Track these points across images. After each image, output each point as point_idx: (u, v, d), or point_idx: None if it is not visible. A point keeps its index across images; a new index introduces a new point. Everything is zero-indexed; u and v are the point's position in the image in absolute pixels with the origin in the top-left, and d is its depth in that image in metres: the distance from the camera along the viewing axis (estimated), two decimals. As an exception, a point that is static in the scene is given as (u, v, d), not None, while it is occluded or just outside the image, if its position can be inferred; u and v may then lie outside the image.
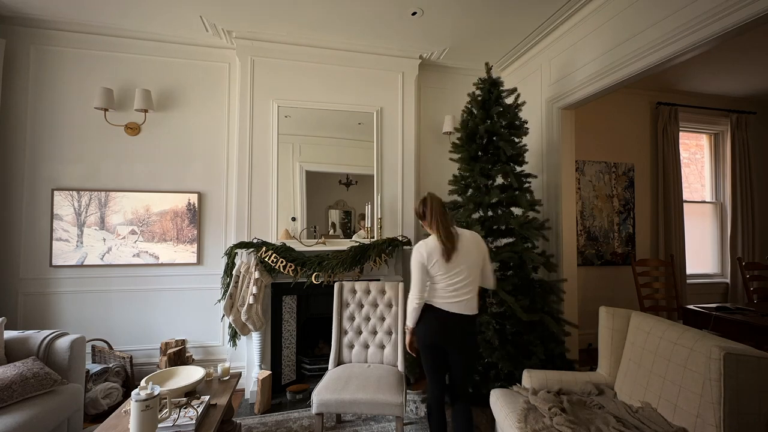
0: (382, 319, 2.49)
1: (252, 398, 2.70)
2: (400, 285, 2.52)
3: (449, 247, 1.76)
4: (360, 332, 2.48)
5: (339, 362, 2.41)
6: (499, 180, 2.69)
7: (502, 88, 2.69)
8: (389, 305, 2.51)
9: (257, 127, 3.03)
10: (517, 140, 2.65)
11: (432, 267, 1.78)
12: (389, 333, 2.46)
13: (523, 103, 2.71)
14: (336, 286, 2.53)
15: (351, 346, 2.46)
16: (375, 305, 2.53)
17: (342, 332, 2.48)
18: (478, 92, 2.75)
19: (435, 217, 1.82)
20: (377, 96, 3.27)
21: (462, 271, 1.78)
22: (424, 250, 1.79)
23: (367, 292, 2.56)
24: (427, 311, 1.82)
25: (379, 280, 2.81)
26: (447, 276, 1.78)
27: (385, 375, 2.16)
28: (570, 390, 1.88)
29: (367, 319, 2.50)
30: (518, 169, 2.69)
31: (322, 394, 1.98)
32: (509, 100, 2.72)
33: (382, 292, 2.53)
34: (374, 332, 2.48)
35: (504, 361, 2.33)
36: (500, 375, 2.39)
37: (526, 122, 2.72)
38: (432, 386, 1.89)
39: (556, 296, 2.58)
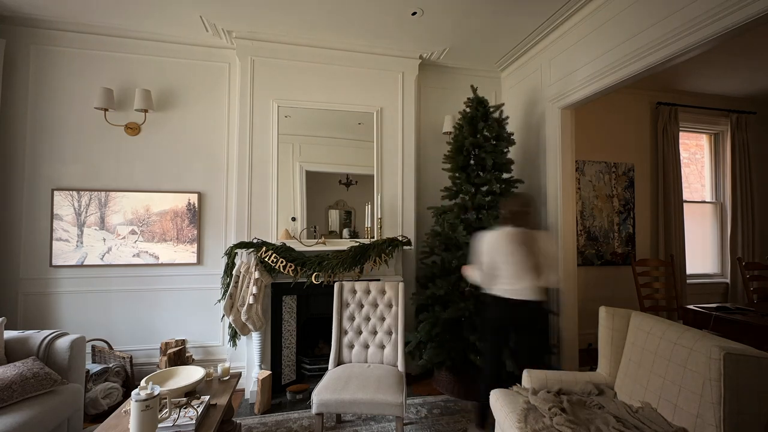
0: (382, 319, 2.49)
1: (252, 398, 2.70)
2: (400, 285, 2.52)
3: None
4: (360, 332, 2.48)
5: (339, 362, 2.40)
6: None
7: (489, 105, 2.99)
8: (389, 305, 2.50)
9: (257, 127, 3.03)
10: (504, 150, 2.95)
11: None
12: (389, 333, 2.46)
13: (507, 117, 3.03)
14: (336, 286, 2.53)
15: (351, 346, 2.45)
16: (375, 305, 2.52)
17: (342, 332, 2.47)
18: (467, 110, 3.01)
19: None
20: (377, 96, 3.27)
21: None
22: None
23: (367, 292, 2.55)
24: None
25: (379, 280, 2.81)
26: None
27: (385, 375, 2.16)
28: (570, 390, 1.88)
29: (367, 319, 2.50)
30: (505, 176, 3.03)
31: (321, 394, 1.98)
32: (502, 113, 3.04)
33: (382, 292, 2.53)
34: (374, 332, 2.47)
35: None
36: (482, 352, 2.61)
37: (512, 134, 3.02)
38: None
39: None
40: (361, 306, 2.53)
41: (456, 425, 2.42)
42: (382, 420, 2.45)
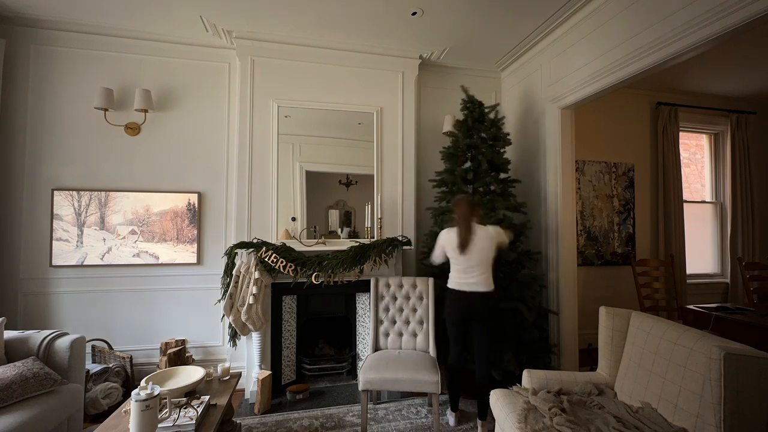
0: (414, 310, 2.71)
1: (252, 398, 2.70)
2: (431, 280, 2.72)
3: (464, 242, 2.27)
4: (394, 322, 2.71)
5: (376, 348, 2.64)
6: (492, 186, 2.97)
7: (484, 106, 2.98)
8: (420, 297, 2.72)
9: (257, 127, 3.03)
10: (501, 150, 2.96)
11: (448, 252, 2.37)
12: (421, 322, 2.68)
13: (503, 117, 3.05)
14: (372, 280, 2.74)
15: (387, 335, 2.69)
16: (408, 298, 2.75)
17: (378, 322, 2.71)
18: (464, 111, 3.01)
19: (460, 218, 2.32)
20: (377, 96, 3.27)
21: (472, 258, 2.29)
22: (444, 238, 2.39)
23: (400, 286, 2.77)
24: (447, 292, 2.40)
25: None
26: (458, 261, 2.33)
27: (420, 358, 2.41)
28: (570, 390, 1.88)
29: (401, 310, 2.72)
30: (503, 176, 3.02)
31: (367, 373, 2.24)
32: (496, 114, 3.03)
33: (414, 286, 2.76)
34: (407, 322, 2.71)
35: None
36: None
37: (509, 134, 3.01)
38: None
39: (533, 290, 2.84)
40: (395, 298, 2.75)
41: (457, 425, 2.42)
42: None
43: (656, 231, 4.08)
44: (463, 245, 2.26)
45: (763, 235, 4.34)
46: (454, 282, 2.36)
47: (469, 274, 2.30)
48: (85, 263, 2.93)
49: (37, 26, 2.88)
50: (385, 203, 3.20)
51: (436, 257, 2.48)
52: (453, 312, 2.36)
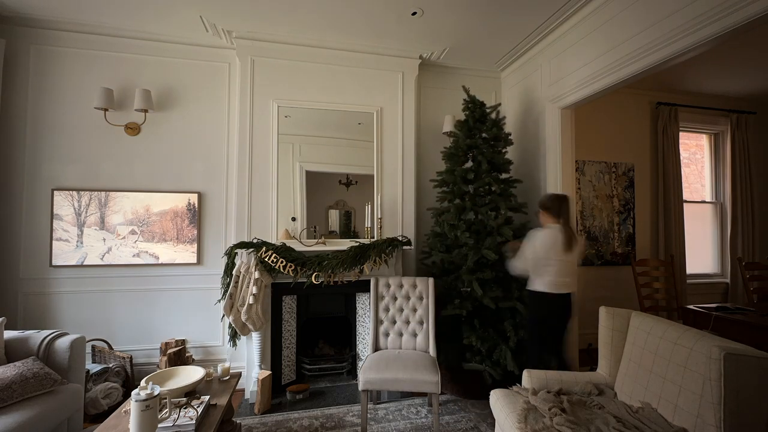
0: (415, 310, 2.71)
1: (252, 398, 2.70)
2: (431, 280, 2.71)
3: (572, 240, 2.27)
4: (394, 322, 2.71)
5: (376, 348, 2.65)
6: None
7: (486, 106, 2.99)
8: (420, 297, 2.72)
9: (257, 127, 3.03)
10: (502, 151, 2.98)
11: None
12: (421, 322, 2.68)
13: (504, 117, 3.04)
14: (372, 280, 2.74)
15: (387, 334, 2.69)
16: (408, 298, 2.74)
17: (378, 322, 2.71)
18: (465, 111, 3.02)
19: (566, 216, 2.33)
20: (377, 96, 3.27)
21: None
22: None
23: (400, 286, 2.77)
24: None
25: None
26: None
27: (420, 358, 2.41)
28: (570, 390, 1.87)
29: (401, 310, 2.72)
30: (504, 176, 3.05)
31: (366, 373, 2.24)
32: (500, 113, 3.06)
33: (414, 286, 2.75)
34: (407, 322, 2.70)
35: (480, 341, 2.66)
36: (481, 352, 2.73)
37: (510, 134, 3.01)
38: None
39: None
40: (395, 299, 2.75)
41: (457, 425, 2.42)
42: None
43: (656, 231, 4.08)
44: (570, 244, 2.25)
45: (763, 235, 4.33)
46: (552, 284, 2.29)
47: (566, 275, 2.29)
48: (85, 263, 2.93)
49: (37, 26, 2.88)
50: (385, 203, 3.20)
51: (525, 262, 2.36)
52: (554, 315, 2.33)
